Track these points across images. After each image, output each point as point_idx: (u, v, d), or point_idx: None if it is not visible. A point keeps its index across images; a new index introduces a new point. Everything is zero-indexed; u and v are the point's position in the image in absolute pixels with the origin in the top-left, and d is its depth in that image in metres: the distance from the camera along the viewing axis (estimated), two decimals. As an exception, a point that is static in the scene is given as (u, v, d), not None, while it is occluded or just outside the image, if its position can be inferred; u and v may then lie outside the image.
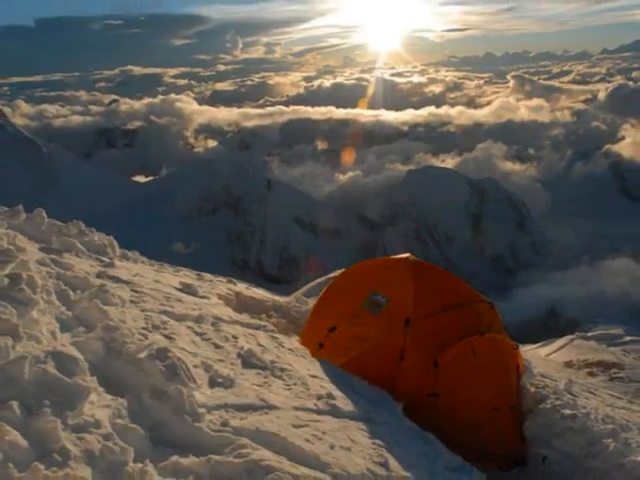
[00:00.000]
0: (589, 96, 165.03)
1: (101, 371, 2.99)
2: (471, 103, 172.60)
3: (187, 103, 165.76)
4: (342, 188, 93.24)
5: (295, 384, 3.76)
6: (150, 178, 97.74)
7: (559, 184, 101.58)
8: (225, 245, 78.68)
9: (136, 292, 4.74)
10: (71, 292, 3.96)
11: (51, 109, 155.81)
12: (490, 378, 4.68)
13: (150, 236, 63.76)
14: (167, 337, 3.77)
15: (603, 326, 19.36)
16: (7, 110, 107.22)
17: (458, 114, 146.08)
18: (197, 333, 4.14)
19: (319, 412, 3.47)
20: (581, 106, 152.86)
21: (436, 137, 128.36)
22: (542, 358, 11.31)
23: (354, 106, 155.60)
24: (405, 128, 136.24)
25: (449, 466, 3.47)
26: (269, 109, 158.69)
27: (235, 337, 4.31)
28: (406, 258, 5.31)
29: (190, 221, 79.82)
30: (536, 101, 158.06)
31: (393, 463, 3.09)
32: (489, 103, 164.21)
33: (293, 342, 4.98)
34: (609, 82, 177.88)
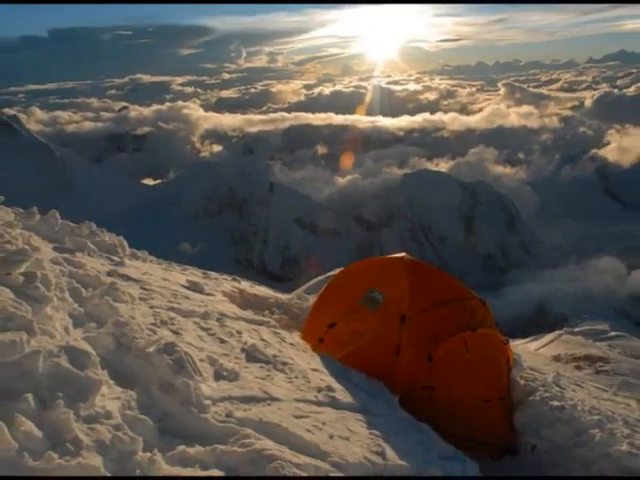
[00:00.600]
0: (576, 103, 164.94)
1: (112, 365, 2.99)
2: (464, 110, 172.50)
3: (193, 110, 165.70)
4: (341, 190, 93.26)
5: (296, 377, 3.76)
6: (158, 181, 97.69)
7: (547, 187, 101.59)
8: (229, 245, 78.63)
9: (145, 290, 4.74)
10: (83, 290, 3.96)
11: (64, 115, 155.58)
12: (482, 371, 4.68)
13: (158, 236, 63.72)
14: (174, 332, 3.77)
15: (590, 322, 19.35)
16: (22, 116, 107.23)
17: (451, 120, 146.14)
18: (203, 328, 4.14)
19: (319, 404, 3.47)
20: (568, 113, 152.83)
21: (430, 142, 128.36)
22: (531, 352, 11.29)
23: (352, 112, 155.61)
24: (401, 133, 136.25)
25: (443, 455, 3.47)
26: (271, 115, 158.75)
27: (239, 332, 4.31)
28: (402, 257, 5.31)
29: (196, 222, 79.77)
30: (526, 108, 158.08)
31: (389, 452, 3.09)
32: (481, 110, 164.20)
33: (294, 337, 4.99)
34: (595, 90, 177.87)
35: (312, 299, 6.41)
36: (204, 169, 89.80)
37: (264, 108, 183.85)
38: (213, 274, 7.38)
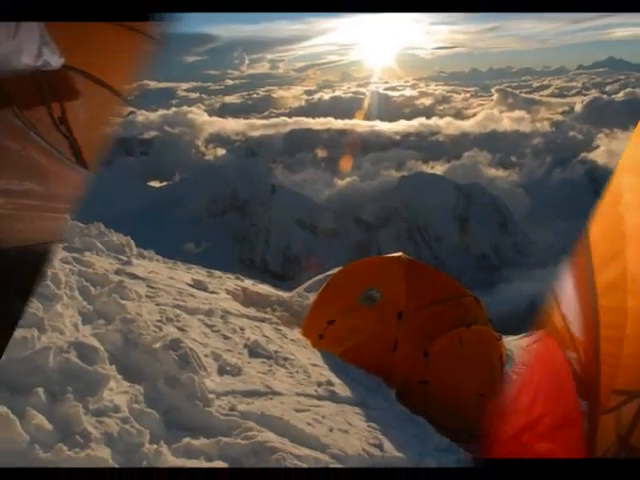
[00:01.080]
0: (566, 108, 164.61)
1: (119, 360, 3.00)
2: (458, 115, 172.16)
3: (198, 115, 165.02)
4: (340, 192, 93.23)
5: (297, 372, 3.77)
6: (164, 183, 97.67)
7: (539, 189, 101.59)
8: (233, 245, 78.61)
9: (151, 288, 4.74)
10: (92, 288, 3.97)
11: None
12: (476, 366, 4.69)
13: (164, 236, 63.63)
14: (180, 329, 3.78)
15: (579, 319, 19.30)
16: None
17: (446, 125, 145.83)
18: (207, 325, 4.14)
19: (319, 398, 3.48)
20: (559, 117, 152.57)
21: (426, 146, 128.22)
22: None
23: (351, 117, 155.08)
24: (398, 137, 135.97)
25: (438, 447, 3.48)
26: (273, 120, 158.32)
27: (242, 329, 4.31)
28: (399, 257, 5.32)
29: (200, 223, 79.78)
30: (518, 113, 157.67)
31: (387, 444, 3.10)
32: (475, 115, 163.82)
33: (295, 334, 4.99)
34: (585, 95, 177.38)
35: (312, 297, 6.40)
36: (208, 172, 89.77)
37: (266, 113, 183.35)
38: (217, 273, 7.36)
